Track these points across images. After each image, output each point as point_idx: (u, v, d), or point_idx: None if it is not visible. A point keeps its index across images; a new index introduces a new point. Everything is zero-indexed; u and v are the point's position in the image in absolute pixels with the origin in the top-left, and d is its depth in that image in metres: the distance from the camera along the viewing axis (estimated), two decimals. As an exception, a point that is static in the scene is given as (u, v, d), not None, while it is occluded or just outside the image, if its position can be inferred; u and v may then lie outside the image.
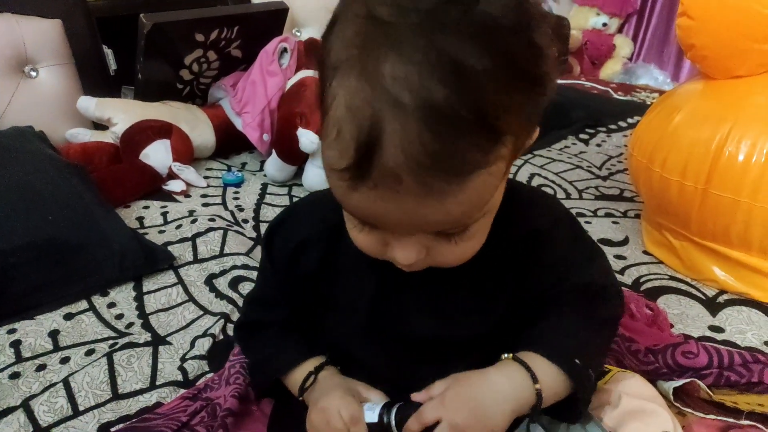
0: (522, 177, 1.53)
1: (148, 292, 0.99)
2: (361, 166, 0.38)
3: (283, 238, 0.62)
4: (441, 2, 0.37)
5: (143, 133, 1.42)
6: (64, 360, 0.83)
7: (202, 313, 0.94)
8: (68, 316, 0.92)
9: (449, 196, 0.39)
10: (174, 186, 1.36)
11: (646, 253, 1.15)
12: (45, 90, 1.53)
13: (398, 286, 0.55)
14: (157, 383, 0.79)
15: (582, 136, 1.85)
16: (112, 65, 1.75)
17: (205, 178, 1.45)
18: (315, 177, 1.41)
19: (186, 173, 1.40)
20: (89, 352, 0.84)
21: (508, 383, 0.52)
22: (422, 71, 0.36)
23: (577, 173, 1.56)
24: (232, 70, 1.70)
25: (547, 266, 0.57)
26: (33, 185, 1.07)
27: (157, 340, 0.87)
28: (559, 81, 0.45)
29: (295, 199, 1.41)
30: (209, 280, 1.02)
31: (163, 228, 1.19)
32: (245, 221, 1.27)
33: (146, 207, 1.28)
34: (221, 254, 1.10)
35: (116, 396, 0.77)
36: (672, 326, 0.91)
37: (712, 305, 0.98)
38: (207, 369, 0.82)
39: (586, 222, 1.27)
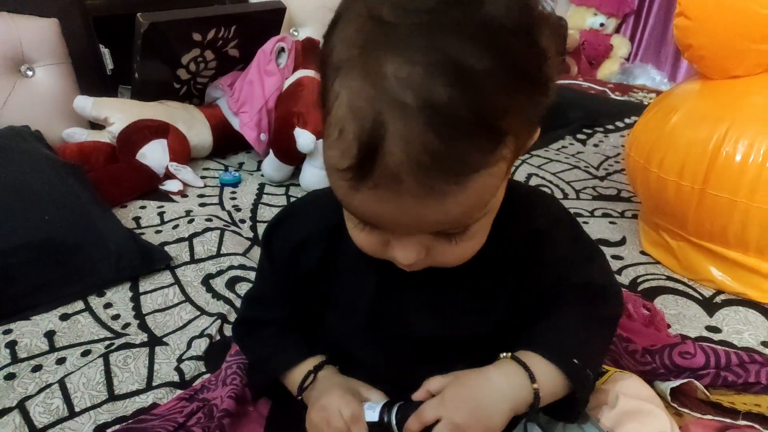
0: (519, 177, 1.53)
1: (145, 293, 0.99)
2: (363, 166, 0.38)
3: (283, 237, 0.62)
4: (444, 3, 0.37)
5: (140, 132, 1.41)
6: (60, 361, 0.83)
7: (198, 313, 0.94)
8: (64, 317, 0.92)
9: (450, 197, 0.39)
10: (171, 186, 1.36)
11: (643, 253, 1.15)
12: (41, 89, 1.53)
13: (398, 286, 0.55)
14: (154, 384, 0.79)
15: (579, 136, 1.85)
16: (109, 64, 1.75)
17: (202, 178, 1.44)
18: (312, 177, 1.41)
19: (183, 173, 1.39)
20: (85, 353, 0.84)
21: (506, 382, 0.53)
22: (424, 72, 0.36)
23: (575, 173, 1.56)
24: (229, 70, 1.70)
25: (546, 266, 0.57)
26: (29, 185, 1.07)
27: (154, 341, 0.87)
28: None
29: (292, 200, 1.41)
30: (206, 281, 1.02)
31: (159, 228, 1.19)
32: (242, 221, 1.27)
33: (143, 207, 1.27)
34: (218, 254, 1.09)
35: (112, 397, 0.76)
36: (669, 326, 0.91)
37: (709, 305, 0.98)
38: (204, 370, 0.81)
39: (584, 222, 1.27)
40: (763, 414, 0.71)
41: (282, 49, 1.55)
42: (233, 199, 1.37)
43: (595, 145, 1.78)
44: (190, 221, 1.20)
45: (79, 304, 0.95)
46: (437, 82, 0.36)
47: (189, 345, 0.86)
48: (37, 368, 0.81)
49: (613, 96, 2.27)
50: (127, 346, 0.85)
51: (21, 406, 0.74)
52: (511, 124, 0.39)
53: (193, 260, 1.08)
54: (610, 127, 1.92)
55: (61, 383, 0.77)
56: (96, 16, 1.74)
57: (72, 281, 0.98)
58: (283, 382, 0.64)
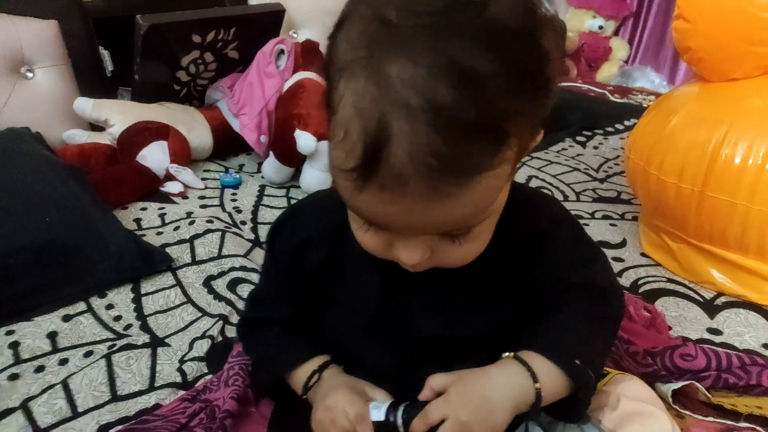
0: (519, 179, 1.53)
1: (147, 294, 0.99)
2: (368, 166, 0.38)
3: (287, 236, 0.62)
4: (449, 5, 0.37)
5: (140, 134, 1.41)
6: (63, 361, 0.83)
7: (200, 314, 0.94)
8: (66, 318, 0.92)
9: (454, 198, 0.40)
10: (171, 187, 1.36)
11: (643, 255, 1.15)
12: (41, 91, 1.53)
13: (402, 286, 0.56)
14: (156, 385, 0.79)
15: (579, 138, 1.86)
16: (109, 66, 1.75)
17: (203, 179, 1.44)
18: (312, 179, 1.41)
19: (183, 175, 1.40)
20: (88, 354, 0.84)
21: (508, 381, 0.53)
22: (429, 73, 0.36)
23: (575, 175, 1.57)
24: (229, 72, 1.70)
25: (548, 267, 0.57)
26: (30, 187, 1.07)
27: (156, 342, 0.87)
28: (556, 84, 0.46)
29: (292, 201, 1.41)
30: (207, 282, 1.02)
31: (160, 230, 1.19)
32: (243, 223, 1.27)
33: (144, 208, 1.27)
34: (219, 256, 1.09)
35: (115, 397, 0.76)
36: (670, 328, 0.92)
37: (710, 308, 0.98)
38: (206, 371, 0.82)
39: (584, 224, 1.27)
40: (765, 416, 0.71)
41: (281, 51, 1.56)
42: (234, 200, 1.37)
43: (595, 148, 1.79)
44: (191, 223, 1.20)
45: (81, 305, 0.95)
46: (441, 83, 0.36)
47: (191, 346, 0.86)
48: (40, 369, 0.81)
49: (612, 98, 2.28)
50: (130, 347, 0.85)
51: (24, 407, 0.74)
52: (514, 125, 0.39)
53: (195, 262, 1.08)
54: (610, 129, 1.93)
55: (64, 384, 0.77)
56: (96, 18, 1.75)
57: (73, 283, 0.98)
58: (287, 381, 0.64)
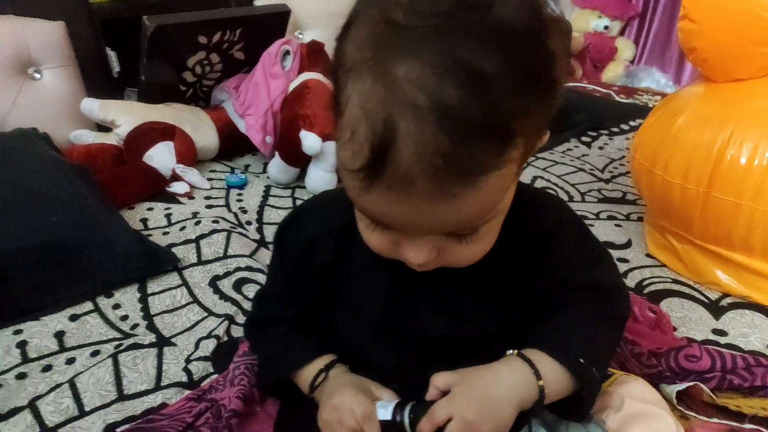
0: (524, 179, 1.53)
1: (153, 294, 0.99)
2: (375, 166, 0.39)
3: (294, 236, 0.62)
4: (456, 6, 0.38)
5: (147, 135, 1.42)
6: (70, 361, 0.83)
7: (206, 314, 0.94)
8: (73, 317, 0.92)
9: (461, 198, 0.40)
10: (177, 188, 1.36)
11: (648, 256, 1.15)
12: (49, 92, 1.54)
13: (409, 286, 0.56)
14: (162, 384, 0.79)
15: (584, 138, 1.85)
16: (116, 67, 1.76)
17: (209, 180, 1.45)
18: (318, 179, 1.42)
19: (189, 175, 1.40)
20: (95, 353, 0.85)
21: (512, 378, 0.53)
22: (436, 74, 0.37)
23: (580, 176, 1.57)
24: (234, 73, 1.71)
25: (554, 266, 0.57)
26: (37, 187, 1.08)
27: (162, 342, 0.88)
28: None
29: (298, 202, 1.41)
30: (213, 282, 1.03)
31: (167, 230, 1.19)
32: (249, 223, 1.27)
33: (150, 209, 1.28)
34: (225, 256, 1.10)
35: (122, 397, 0.77)
36: (675, 329, 0.91)
37: (715, 308, 0.98)
38: (211, 370, 0.82)
39: (589, 225, 1.26)
40: (770, 417, 0.71)
41: (287, 52, 1.56)
42: (239, 201, 1.38)
43: (600, 148, 1.78)
44: (197, 223, 1.21)
45: (88, 305, 0.96)
46: (448, 84, 0.36)
47: (197, 346, 0.86)
48: (47, 368, 0.82)
49: (617, 98, 2.27)
50: (136, 346, 0.86)
51: (32, 406, 0.75)
52: (521, 125, 0.40)
53: (200, 262, 1.08)
54: (615, 129, 1.92)
55: (71, 383, 0.78)
56: (102, 19, 1.76)
57: (79, 282, 0.98)
58: (293, 380, 0.65)
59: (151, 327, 0.91)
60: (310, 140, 1.35)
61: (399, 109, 0.37)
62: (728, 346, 0.88)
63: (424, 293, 0.57)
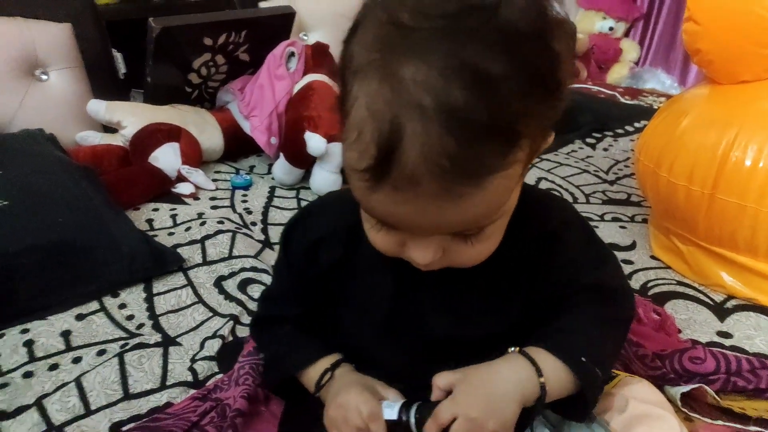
0: (529, 181, 1.52)
1: (158, 294, 1.00)
2: (381, 167, 0.39)
3: (301, 235, 0.63)
4: (462, 8, 0.38)
5: (152, 136, 1.43)
6: (76, 360, 0.84)
7: (211, 314, 0.95)
8: (80, 317, 0.93)
9: (467, 198, 0.40)
10: (183, 189, 1.37)
11: (653, 257, 1.15)
12: (55, 93, 1.55)
13: (415, 285, 0.56)
14: (168, 383, 0.80)
15: (589, 140, 1.85)
16: (122, 69, 1.77)
17: (214, 180, 1.45)
18: (323, 180, 1.42)
19: (195, 176, 1.41)
20: (101, 353, 0.85)
21: (514, 374, 0.53)
22: (443, 75, 0.37)
23: (584, 177, 1.57)
24: (240, 74, 1.71)
25: (559, 267, 0.57)
26: (43, 187, 1.09)
27: (168, 341, 0.88)
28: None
29: (303, 203, 1.42)
30: (218, 282, 1.03)
31: (172, 230, 1.20)
32: (253, 224, 1.28)
33: (155, 209, 1.29)
34: (230, 256, 1.10)
35: (127, 396, 0.77)
36: (680, 331, 0.91)
37: (720, 311, 0.98)
38: (216, 370, 0.82)
39: (594, 226, 1.26)
40: (774, 419, 0.71)
41: (292, 54, 1.57)
42: (244, 201, 1.38)
43: (605, 149, 1.78)
44: (202, 223, 1.21)
45: (94, 305, 0.96)
46: (454, 85, 0.37)
47: (202, 345, 0.87)
48: (54, 367, 0.82)
49: (622, 100, 2.27)
50: (142, 346, 0.87)
51: (39, 404, 0.75)
52: (526, 127, 0.40)
53: (206, 262, 1.09)
54: (620, 131, 1.92)
55: (78, 382, 0.79)
56: (109, 21, 1.77)
57: (85, 283, 0.99)
58: (299, 379, 0.65)
59: (157, 327, 0.92)
60: (314, 141, 1.35)
61: (405, 110, 0.37)
62: (733, 348, 0.88)
63: (430, 293, 0.57)
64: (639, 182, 1.19)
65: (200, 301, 0.98)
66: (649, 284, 1.06)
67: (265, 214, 1.33)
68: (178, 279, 1.04)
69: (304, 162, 1.45)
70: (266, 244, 1.19)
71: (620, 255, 1.15)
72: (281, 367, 0.67)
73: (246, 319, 0.94)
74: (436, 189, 0.39)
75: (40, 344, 0.86)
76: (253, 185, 1.47)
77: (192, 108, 1.64)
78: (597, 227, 1.27)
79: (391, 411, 0.55)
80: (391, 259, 0.51)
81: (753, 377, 0.75)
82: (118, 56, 1.76)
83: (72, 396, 0.76)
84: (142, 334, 0.90)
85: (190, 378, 0.81)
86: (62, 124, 1.51)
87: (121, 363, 0.82)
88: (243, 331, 0.90)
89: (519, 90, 0.38)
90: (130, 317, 0.94)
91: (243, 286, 1.02)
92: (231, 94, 1.68)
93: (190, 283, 1.03)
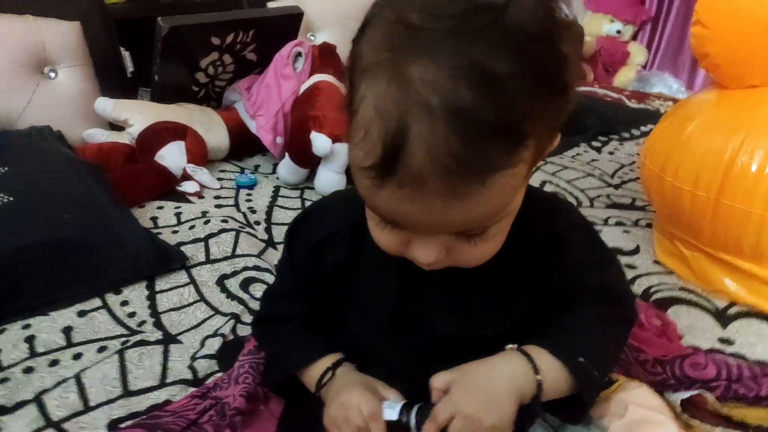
0: (533, 184, 1.52)
1: (161, 291, 1.00)
2: (387, 164, 0.39)
3: (306, 234, 0.63)
4: (471, 9, 0.38)
5: (159, 134, 1.43)
6: (77, 356, 0.84)
7: (213, 313, 0.95)
8: (81, 313, 0.94)
9: (472, 197, 0.40)
10: (188, 187, 1.38)
11: (656, 262, 1.14)
12: (63, 91, 1.56)
13: (419, 285, 0.56)
14: (167, 381, 0.80)
15: (594, 143, 1.84)
16: (129, 67, 1.78)
17: (219, 179, 1.46)
18: (327, 180, 1.42)
19: (200, 175, 1.41)
20: (101, 349, 0.86)
21: (510, 370, 0.54)
22: (450, 75, 0.37)
23: (589, 181, 1.56)
24: (247, 74, 1.72)
25: (563, 269, 0.58)
26: (49, 184, 1.09)
27: (168, 339, 0.89)
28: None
29: (307, 203, 1.42)
30: (221, 281, 1.03)
31: (176, 228, 1.21)
32: (257, 223, 1.28)
33: (160, 207, 1.29)
34: (233, 255, 1.11)
35: (127, 393, 0.78)
36: (681, 337, 0.91)
37: (723, 317, 0.97)
38: (216, 368, 0.83)
39: (597, 230, 1.26)
40: (775, 427, 0.70)
41: (299, 54, 1.57)
42: (249, 201, 1.38)
43: (611, 153, 1.77)
44: (206, 222, 1.22)
45: (96, 302, 0.97)
46: (462, 85, 0.37)
47: (203, 344, 0.87)
48: (54, 363, 0.83)
49: (629, 103, 2.25)
50: (143, 343, 0.87)
51: (38, 400, 0.76)
52: (532, 127, 0.40)
53: (209, 260, 1.09)
54: (626, 135, 1.91)
55: (77, 378, 0.79)
56: (117, 19, 1.78)
57: (89, 280, 0.99)
58: (300, 378, 0.65)
59: (158, 324, 0.92)
60: (320, 141, 1.35)
61: (412, 109, 0.38)
62: (735, 355, 0.87)
63: (434, 292, 0.57)
64: (644, 186, 1.18)
65: (202, 299, 0.99)
66: (652, 289, 1.05)
67: (269, 213, 1.33)
68: (181, 277, 1.04)
69: (309, 162, 1.45)
70: (269, 243, 1.20)
71: (623, 259, 1.15)
72: (282, 366, 0.67)
73: (247, 318, 0.94)
74: (441, 188, 0.39)
75: (41, 340, 0.87)
76: (257, 184, 1.47)
77: (198, 107, 1.65)
78: (600, 231, 1.26)
79: (391, 411, 0.55)
80: (396, 259, 0.51)
81: (754, 385, 0.75)
82: (125, 55, 1.77)
83: (71, 392, 0.77)
84: (144, 332, 0.90)
85: (189, 376, 0.81)
86: (69, 121, 1.52)
87: (122, 360, 0.83)
88: (244, 330, 0.91)
89: (525, 90, 0.38)
90: (132, 314, 0.94)
91: (245, 285, 1.03)
92: (237, 93, 1.69)
93: (192, 281, 1.03)
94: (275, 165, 1.55)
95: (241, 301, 0.98)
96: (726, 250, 0.99)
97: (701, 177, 0.98)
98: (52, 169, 1.16)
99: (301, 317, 0.67)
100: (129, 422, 0.72)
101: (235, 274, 1.05)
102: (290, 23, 1.75)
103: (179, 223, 1.23)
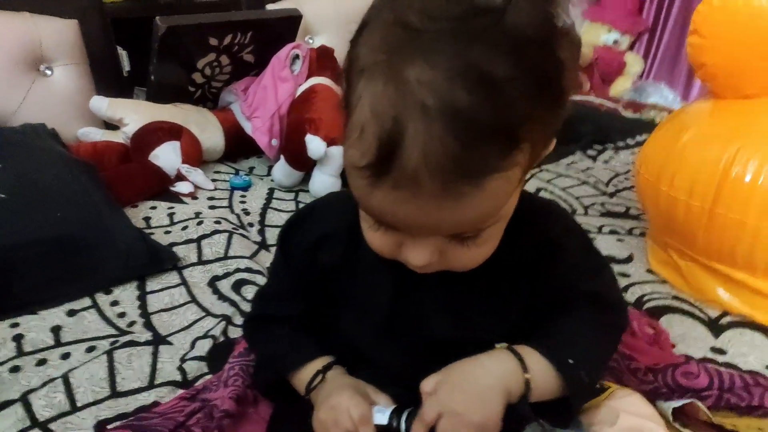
0: (528, 191, 1.52)
1: (152, 292, 0.99)
2: (382, 164, 0.39)
3: (301, 234, 0.63)
4: (469, 11, 0.38)
5: (153, 134, 1.43)
6: (65, 356, 0.83)
7: (203, 314, 0.94)
8: (71, 313, 0.93)
9: (466, 199, 0.40)
10: (182, 187, 1.37)
11: (649, 271, 1.14)
12: (59, 89, 1.55)
13: (415, 286, 0.56)
14: (156, 383, 0.79)
15: (590, 152, 1.84)
16: (126, 66, 1.78)
17: (213, 180, 1.45)
18: (322, 183, 1.42)
19: (194, 175, 1.41)
20: (90, 349, 0.85)
21: (497, 368, 0.53)
22: (447, 77, 0.37)
23: (584, 189, 1.56)
24: (244, 75, 1.72)
25: (560, 273, 0.58)
26: (43, 182, 1.09)
27: (158, 340, 0.88)
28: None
29: (301, 205, 1.41)
30: (212, 282, 1.03)
31: (169, 229, 1.20)
32: (251, 225, 1.28)
33: (153, 207, 1.29)
34: (225, 257, 1.10)
35: (115, 394, 0.77)
36: (673, 346, 0.91)
37: (715, 327, 0.97)
38: (206, 370, 0.82)
39: (591, 238, 1.27)
40: (766, 437, 0.70)
41: (297, 56, 1.57)
42: (243, 202, 1.38)
43: (606, 162, 1.78)
44: (199, 223, 1.21)
45: (86, 301, 0.96)
46: (458, 86, 0.37)
47: (193, 345, 0.86)
48: (41, 362, 0.82)
49: (624, 113, 2.26)
50: (132, 344, 0.86)
51: (24, 399, 0.75)
52: (528, 131, 0.40)
53: (201, 262, 1.09)
54: (621, 144, 1.91)
55: (65, 378, 0.78)
56: (114, 18, 1.78)
57: (80, 279, 0.99)
58: (290, 380, 0.65)
59: (148, 325, 0.91)
60: (315, 144, 1.35)
61: (408, 110, 0.38)
62: (727, 364, 0.87)
63: (430, 294, 0.57)
64: (639, 195, 1.18)
65: (193, 300, 0.98)
66: (645, 298, 1.05)
67: (262, 215, 1.33)
68: (173, 278, 1.04)
69: (305, 165, 1.44)
70: (262, 245, 1.19)
71: (617, 268, 1.15)
72: (272, 368, 0.66)
73: (238, 320, 0.93)
74: (436, 189, 0.39)
75: (30, 339, 0.86)
76: (252, 186, 1.47)
77: (194, 107, 1.64)
78: (594, 239, 1.27)
79: (382, 416, 0.54)
80: (392, 260, 0.50)
81: (746, 394, 0.75)
82: (122, 54, 1.76)
83: (58, 392, 0.76)
84: (133, 332, 0.89)
85: (179, 378, 0.80)
86: (64, 119, 1.51)
87: (110, 360, 0.82)
88: (235, 332, 0.90)
89: (522, 93, 0.38)
90: (122, 314, 0.93)
91: (237, 286, 1.02)
92: (234, 94, 1.68)
93: (184, 282, 1.02)
94: (270, 167, 1.55)
95: (233, 303, 0.97)
96: (720, 259, 0.99)
97: (696, 187, 0.98)
98: (46, 167, 1.15)
99: (295, 319, 0.66)
100: (116, 423, 0.72)
101: (227, 275, 1.05)
102: (288, 26, 1.75)
103: (172, 223, 1.22)
